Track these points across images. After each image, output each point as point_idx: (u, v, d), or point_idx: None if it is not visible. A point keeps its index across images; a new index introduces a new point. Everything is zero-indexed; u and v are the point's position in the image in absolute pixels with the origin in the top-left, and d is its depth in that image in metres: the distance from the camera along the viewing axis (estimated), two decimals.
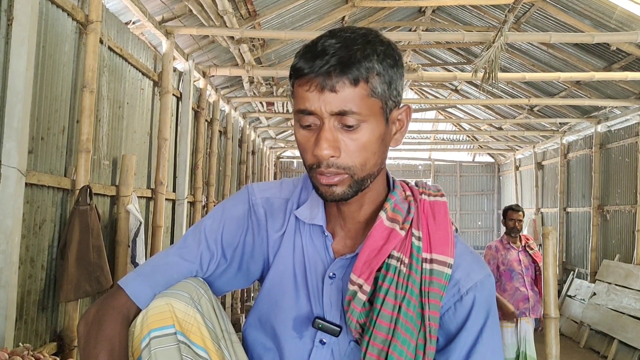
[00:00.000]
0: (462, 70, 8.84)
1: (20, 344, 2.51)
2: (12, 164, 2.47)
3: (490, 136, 12.18)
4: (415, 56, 9.68)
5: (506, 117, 10.29)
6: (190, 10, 4.60)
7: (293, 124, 0.97)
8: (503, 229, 5.00)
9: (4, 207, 2.46)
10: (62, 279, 2.87)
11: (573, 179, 9.63)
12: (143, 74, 4.25)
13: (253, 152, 9.70)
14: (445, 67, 9.51)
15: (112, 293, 0.98)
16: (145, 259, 3.80)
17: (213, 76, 6.11)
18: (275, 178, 13.71)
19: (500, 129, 11.36)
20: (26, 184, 2.62)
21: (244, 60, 5.84)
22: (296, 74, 0.90)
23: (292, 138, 12.07)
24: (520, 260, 4.81)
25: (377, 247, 0.96)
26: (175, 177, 5.21)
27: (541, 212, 11.18)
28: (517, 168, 13.27)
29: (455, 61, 9.10)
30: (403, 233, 0.97)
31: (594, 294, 7.50)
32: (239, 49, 5.49)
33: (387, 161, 1.03)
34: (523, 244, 4.90)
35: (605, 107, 7.82)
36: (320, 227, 1.02)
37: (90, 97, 3.14)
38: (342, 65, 0.86)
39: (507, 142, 12.47)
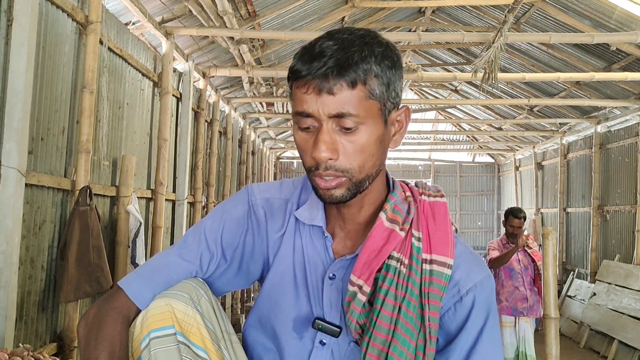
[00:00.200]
0: (462, 71, 8.84)
1: (20, 344, 2.51)
2: (12, 165, 2.47)
3: (490, 136, 12.18)
4: (415, 56, 9.68)
5: (506, 118, 10.29)
6: (190, 11, 4.60)
7: (292, 126, 0.97)
8: (503, 229, 5.01)
9: (4, 207, 2.46)
10: (62, 280, 2.87)
11: (573, 179, 9.64)
12: (143, 74, 4.25)
13: (253, 153, 9.70)
14: (445, 67, 9.51)
15: (112, 294, 0.98)
16: (145, 260, 3.80)
17: (213, 77, 6.11)
18: (275, 178, 13.71)
19: (500, 129, 11.36)
20: (26, 184, 2.62)
21: (244, 61, 5.84)
22: (294, 76, 0.90)
23: (292, 138, 12.07)
24: (519, 260, 4.82)
25: (377, 248, 0.96)
26: (175, 177, 5.21)
27: (541, 213, 11.18)
28: (517, 168, 13.27)
29: (455, 61, 9.10)
30: (403, 234, 0.97)
31: (594, 294, 7.50)
32: (239, 50, 5.49)
33: (387, 162, 1.03)
34: None
35: (605, 108, 7.82)
36: (320, 228, 1.02)
37: (90, 98, 3.14)
38: (339, 67, 0.86)
39: (507, 142, 12.47)
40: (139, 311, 0.95)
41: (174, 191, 5.15)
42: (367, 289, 0.95)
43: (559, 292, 8.42)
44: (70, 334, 3.06)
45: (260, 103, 8.25)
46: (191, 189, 5.72)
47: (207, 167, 6.38)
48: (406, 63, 7.68)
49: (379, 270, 0.96)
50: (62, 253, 2.91)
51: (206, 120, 6.11)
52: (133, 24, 4.21)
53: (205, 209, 6.26)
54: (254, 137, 9.79)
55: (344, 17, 6.52)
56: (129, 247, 3.65)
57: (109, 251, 3.51)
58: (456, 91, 10.85)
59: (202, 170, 5.93)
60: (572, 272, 8.95)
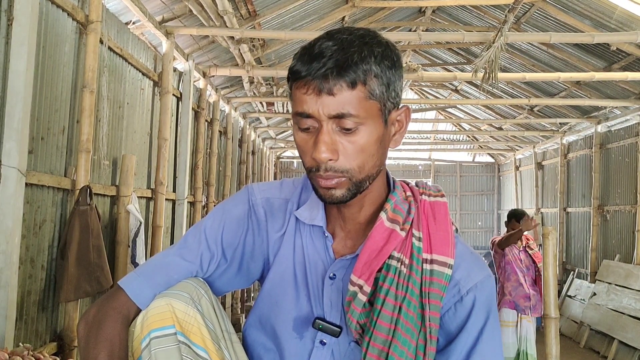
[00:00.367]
0: (462, 70, 8.84)
1: (20, 344, 2.51)
2: (12, 164, 2.47)
3: (490, 136, 12.18)
4: (415, 56, 9.68)
5: (506, 117, 10.29)
6: (190, 11, 4.60)
7: (292, 126, 0.97)
8: (503, 229, 5.02)
9: (4, 207, 2.46)
10: (62, 279, 2.87)
11: (573, 179, 9.63)
12: (143, 74, 4.25)
13: (253, 152, 9.70)
14: (445, 67, 9.51)
15: (112, 293, 0.98)
16: (145, 259, 3.80)
17: (213, 76, 6.11)
18: (275, 178, 13.71)
19: (500, 129, 11.36)
20: (26, 184, 2.62)
21: (244, 61, 5.84)
22: (294, 76, 0.89)
23: (292, 138, 12.07)
24: (521, 260, 4.83)
25: (377, 248, 0.96)
26: (175, 177, 5.21)
27: (541, 212, 11.17)
28: (517, 168, 13.27)
29: (455, 61, 9.10)
30: (403, 234, 0.97)
31: (594, 294, 7.50)
32: (239, 49, 5.49)
33: (387, 161, 1.03)
34: (524, 244, 4.92)
35: (605, 107, 7.82)
36: (320, 227, 1.02)
37: (90, 97, 3.14)
38: (339, 67, 0.85)
39: (507, 142, 12.47)
40: (139, 311, 0.95)
41: (174, 191, 5.15)
42: (368, 288, 0.94)
43: (559, 292, 8.42)
44: (70, 334, 3.06)
45: (261, 103, 8.25)
46: (191, 188, 5.72)
47: (207, 167, 6.38)
48: (406, 63, 7.68)
49: (379, 270, 0.96)
50: (62, 253, 2.91)
51: (206, 120, 6.11)
52: (133, 23, 4.21)
53: (205, 209, 6.26)
54: (254, 137, 9.79)
55: (344, 16, 6.52)
56: (129, 246, 3.65)
57: (109, 251, 3.51)
58: (456, 91, 10.85)
59: (202, 169, 5.93)
60: (572, 272, 8.95)
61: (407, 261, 0.96)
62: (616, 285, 7.09)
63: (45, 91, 2.86)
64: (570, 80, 6.97)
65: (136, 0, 3.85)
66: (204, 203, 6.18)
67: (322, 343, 1.00)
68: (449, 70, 9.44)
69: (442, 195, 1.04)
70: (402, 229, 0.98)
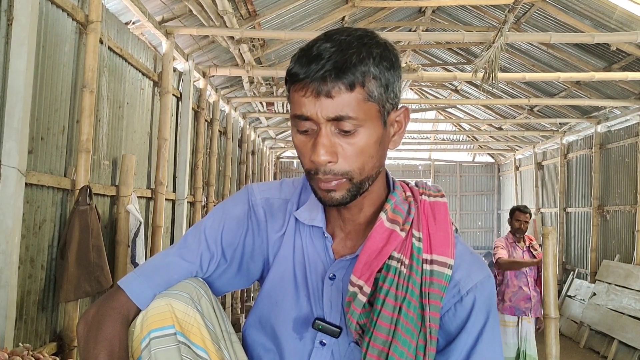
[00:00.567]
0: (462, 70, 8.84)
1: (20, 344, 2.51)
2: (12, 164, 2.47)
3: (490, 136, 12.18)
4: (415, 56, 9.68)
5: (506, 117, 10.29)
6: (190, 11, 4.60)
7: (290, 128, 0.96)
8: (506, 228, 5.01)
9: (4, 207, 2.46)
10: (62, 279, 2.87)
11: (573, 179, 9.63)
12: (143, 74, 4.25)
13: (253, 152, 9.70)
14: (445, 67, 9.51)
15: (112, 293, 0.98)
16: (145, 259, 3.80)
17: (213, 76, 6.11)
18: (275, 178, 13.71)
19: (500, 129, 11.36)
20: (26, 184, 2.62)
21: (244, 61, 5.84)
22: (292, 79, 0.89)
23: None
24: None
25: (377, 249, 0.96)
26: (175, 177, 5.21)
27: (541, 212, 11.17)
28: (517, 168, 13.27)
29: (455, 61, 9.10)
30: (403, 234, 0.97)
31: (594, 294, 7.50)
32: (239, 49, 5.49)
33: (387, 162, 1.03)
34: (527, 245, 4.92)
35: (605, 107, 7.82)
36: (320, 228, 1.02)
37: (90, 97, 3.14)
38: (337, 70, 0.85)
39: (507, 142, 12.48)
40: (138, 311, 0.95)
41: (174, 191, 5.15)
42: (368, 289, 0.94)
43: (559, 292, 8.42)
44: (70, 334, 3.06)
45: (260, 103, 8.25)
46: (191, 188, 5.72)
47: (207, 167, 6.37)
48: (406, 63, 7.68)
49: (379, 271, 0.95)
50: (62, 252, 2.91)
51: (206, 120, 6.11)
52: (133, 23, 4.21)
53: (205, 209, 6.26)
54: (254, 137, 9.79)
55: (344, 16, 6.52)
56: (129, 246, 3.65)
57: (109, 251, 3.51)
58: (456, 91, 10.85)
59: (202, 169, 5.93)
60: (572, 272, 8.95)
61: (407, 261, 0.96)
62: (616, 285, 7.09)
63: (45, 91, 2.86)
64: (570, 80, 6.97)
65: (136, 0, 3.85)
66: (203, 203, 6.18)
67: (322, 343, 1.00)
68: (448, 70, 9.44)
69: (442, 196, 1.04)
70: (402, 230, 0.97)
